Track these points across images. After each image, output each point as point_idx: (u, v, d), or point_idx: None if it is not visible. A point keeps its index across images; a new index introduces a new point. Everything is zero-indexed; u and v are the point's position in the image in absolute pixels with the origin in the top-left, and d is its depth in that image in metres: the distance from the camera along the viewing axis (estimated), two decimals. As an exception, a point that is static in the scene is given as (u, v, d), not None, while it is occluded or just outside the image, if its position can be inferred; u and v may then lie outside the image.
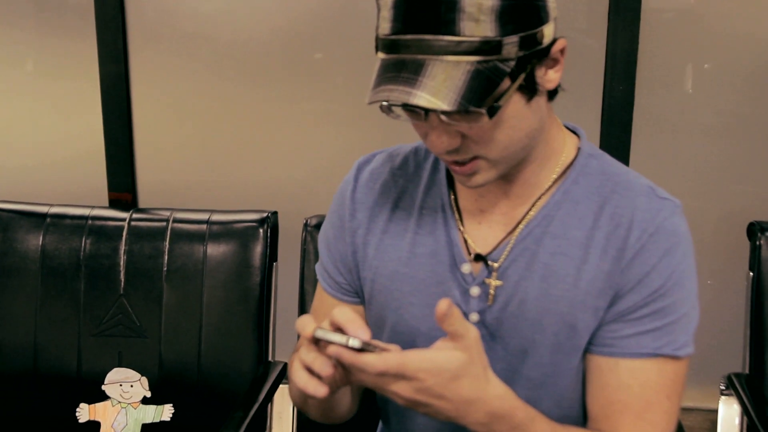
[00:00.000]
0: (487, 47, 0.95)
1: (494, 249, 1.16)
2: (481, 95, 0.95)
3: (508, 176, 1.14)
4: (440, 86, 0.94)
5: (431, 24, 0.95)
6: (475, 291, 1.16)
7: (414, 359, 0.94)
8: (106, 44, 2.34)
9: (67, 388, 1.95)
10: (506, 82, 0.99)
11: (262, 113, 2.44)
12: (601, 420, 1.14)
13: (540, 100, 1.07)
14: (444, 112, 0.98)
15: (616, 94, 2.22)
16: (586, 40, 2.26)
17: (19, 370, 1.97)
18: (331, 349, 0.93)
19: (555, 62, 1.05)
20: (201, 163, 2.48)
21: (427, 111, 1.00)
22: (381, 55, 1.01)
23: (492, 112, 0.98)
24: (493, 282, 1.15)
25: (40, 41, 2.49)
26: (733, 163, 2.31)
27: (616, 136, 2.22)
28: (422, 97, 0.94)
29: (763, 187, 2.30)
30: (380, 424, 1.40)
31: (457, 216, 1.19)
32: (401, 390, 0.95)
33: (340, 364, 0.96)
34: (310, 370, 0.97)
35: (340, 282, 1.29)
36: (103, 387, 1.94)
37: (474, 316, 1.16)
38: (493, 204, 1.18)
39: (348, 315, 0.96)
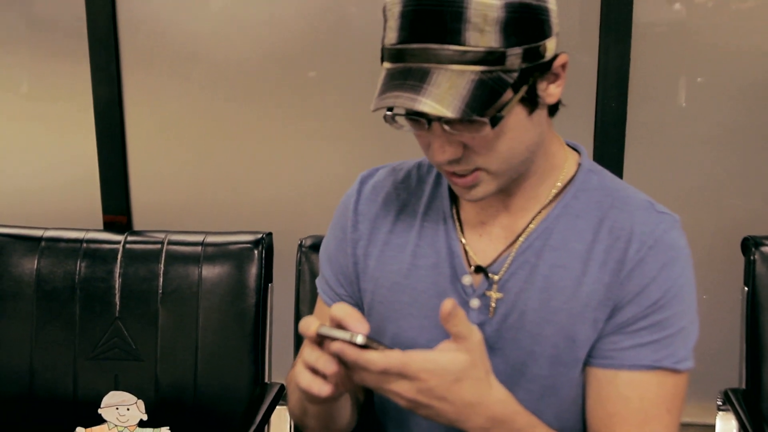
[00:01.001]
0: (491, 58, 0.97)
1: (494, 261, 1.17)
2: (485, 104, 0.97)
3: (509, 190, 1.15)
4: (444, 94, 0.96)
5: (437, 33, 0.96)
6: (475, 303, 1.17)
7: (417, 359, 0.94)
8: (99, 67, 2.35)
9: (63, 412, 1.95)
10: (509, 94, 1.00)
11: (256, 134, 2.45)
12: None
13: (541, 114, 1.09)
14: (448, 121, 1.00)
15: (608, 109, 2.22)
16: (578, 56, 2.26)
17: (14, 394, 1.96)
18: (335, 346, 0.93)
19: (556, 77, 1.07)
20: (195, 185, 2.49)
21: (430, 121, 1.02)
22: (387, 65, 1.02)
23: (494, 121, 1.00)
24: (494, 294, 1.16)
25: (33, 64, 2.49)
26: (727, 177, 2.32)
27: (610, 152, 2.23)
28: (427, 104, 0.95)
29: (758, 201, 2.31)
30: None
31: (458, 228, 1.20)
32: (403, 390, 0.95)
33: (342, 364, 0.96)
34: (314, 371, 0.97)
35: (340, 294, 1.30)
36: (100, 410, 1.93)
37: None
38: (494, 217, 1.19)
39: (346, 310, 0.97)
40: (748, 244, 1.89)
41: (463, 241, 1.19)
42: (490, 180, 1.08)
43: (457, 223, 1.21)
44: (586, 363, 1.15)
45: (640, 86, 2.24)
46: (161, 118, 2.45)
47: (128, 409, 1.93)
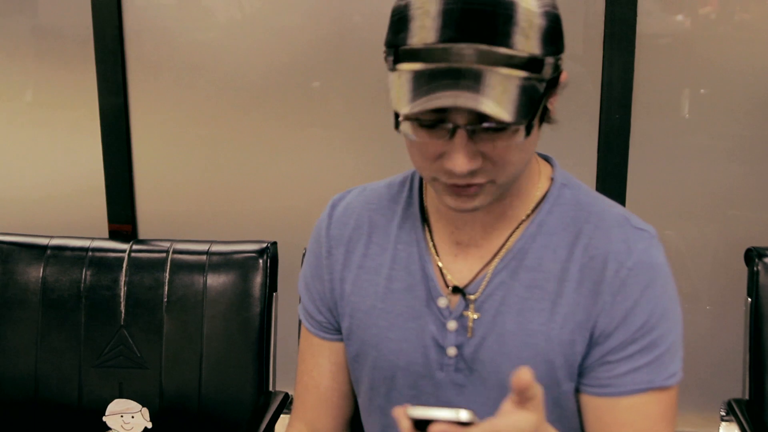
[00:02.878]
0: (532, 64, 0.97)
1: (471, 282, 1.17)
2: (527, 111, 0.97)
3: (487, 206, 1.13)
4: (500, 97, 0.94)
5: (489, 34, 0.95)
6: (452, 325, 1.16)
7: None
8: (105, 76, 2.35)
9: (68, 420, 1.95)
10: (537, 104, 1.00)
11: (261, 143, 2.45)
12: None
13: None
14: (474, 130, 0.98)
15: (612, 121, 2.22)
16: (581, 68, 2.27)
17: (20, 402, 1.97)
18: (436, 428, 0.84)
19: (555, 93, 1.07)
20: (201, 194, 2.49)
21: (455, 129, 0.98)
22: (416, 66, 0.98)
23: (528, 130, 0.99)
24: (471, 315, 1.15)
25: (40, 72, 2.50)
26: (731, 188, 2.32)
27: (613, 164, 2.23)
28: (489, 105, 0.93)
29: (761, 212, 2.31)
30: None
31: (433, 250, 1.19)
32: None
33: None
34: None
35: (320, 320, 1.30)
36: (104, 418, 1.94)
37: (452, 350, 1.16)
38: (469, 236, 1.18)
39: None
40: (752, 255, 1.90)
41: (440, 264, 1.18)
42: (493, 191, 1.07)
43: (431, 245, 1.20)
44: (579, 389, 1.16)
45: (643, 98, 2.24)
46: (167, 127, 2.46)
47: (133, 417, 1.93)
